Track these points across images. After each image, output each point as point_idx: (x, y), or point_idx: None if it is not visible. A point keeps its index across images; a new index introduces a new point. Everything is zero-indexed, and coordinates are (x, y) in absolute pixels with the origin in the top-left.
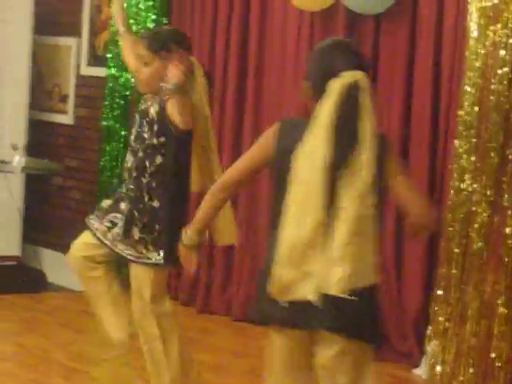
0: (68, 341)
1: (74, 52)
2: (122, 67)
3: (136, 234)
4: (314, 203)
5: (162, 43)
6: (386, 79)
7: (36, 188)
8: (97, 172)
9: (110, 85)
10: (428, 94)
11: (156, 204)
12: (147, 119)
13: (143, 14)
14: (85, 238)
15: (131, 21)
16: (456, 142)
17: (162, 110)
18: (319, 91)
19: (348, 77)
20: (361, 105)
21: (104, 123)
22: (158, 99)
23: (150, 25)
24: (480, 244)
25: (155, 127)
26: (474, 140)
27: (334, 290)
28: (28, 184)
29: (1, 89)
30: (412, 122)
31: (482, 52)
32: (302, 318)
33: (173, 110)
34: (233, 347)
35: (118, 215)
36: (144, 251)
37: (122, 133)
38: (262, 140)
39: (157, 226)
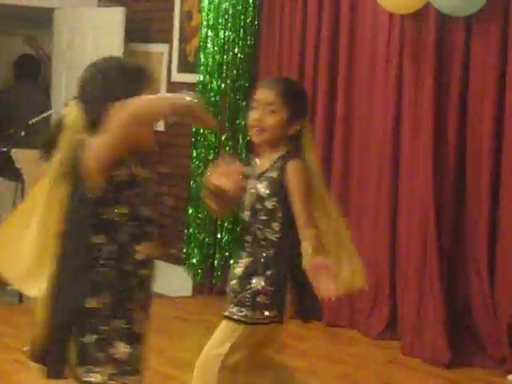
0: (162, 347)
1: (165, 58)
2: (212, 73)
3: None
4: None
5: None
6: (478, 81)
7: None
8: (188, 178)
9: (200, 90)
10: None
11: None
12: None
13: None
14: None
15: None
16: None
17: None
18: None
19: None
20: None
21: (194, 129)
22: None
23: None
24: None
25: None
26: None
27: None
28: None
29: None
30: (505, 123)
31: None
32: None
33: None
34: (325, 353)
35: None
36: None
37: (212, 138)
38: None
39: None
